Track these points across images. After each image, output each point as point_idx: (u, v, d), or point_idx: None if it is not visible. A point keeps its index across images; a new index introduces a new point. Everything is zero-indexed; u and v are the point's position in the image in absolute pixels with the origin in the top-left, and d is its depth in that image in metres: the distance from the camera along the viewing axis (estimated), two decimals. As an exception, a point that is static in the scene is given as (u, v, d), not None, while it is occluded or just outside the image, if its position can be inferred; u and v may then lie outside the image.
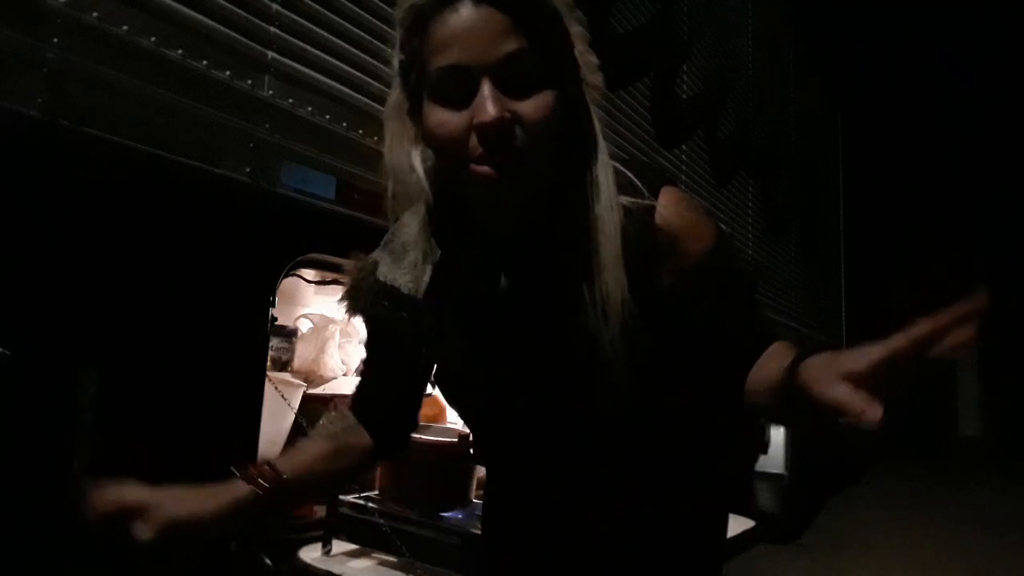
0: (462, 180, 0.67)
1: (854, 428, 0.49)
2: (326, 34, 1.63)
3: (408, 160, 0.71)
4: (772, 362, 0.68)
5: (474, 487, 2.07)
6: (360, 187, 1.64)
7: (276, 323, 1.57)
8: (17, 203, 1.07)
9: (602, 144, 0.71)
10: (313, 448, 0.82)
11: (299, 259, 1.55)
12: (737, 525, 3.49)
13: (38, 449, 1.08)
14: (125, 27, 1.21)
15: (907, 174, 11.62)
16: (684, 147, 3.61)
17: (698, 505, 0.84)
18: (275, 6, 1.51)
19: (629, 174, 0.73)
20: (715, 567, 0.88)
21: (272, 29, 1.50)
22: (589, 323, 0.68)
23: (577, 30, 0.69)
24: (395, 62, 0.71)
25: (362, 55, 1.70)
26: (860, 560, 3.76)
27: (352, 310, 0.80)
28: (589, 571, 0.82)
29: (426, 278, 0.76)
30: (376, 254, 0.82)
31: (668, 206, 0.72)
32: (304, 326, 2.45)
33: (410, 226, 0.78)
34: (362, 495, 2.02)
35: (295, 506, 1.68)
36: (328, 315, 2.41)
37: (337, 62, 1.65)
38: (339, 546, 2.00)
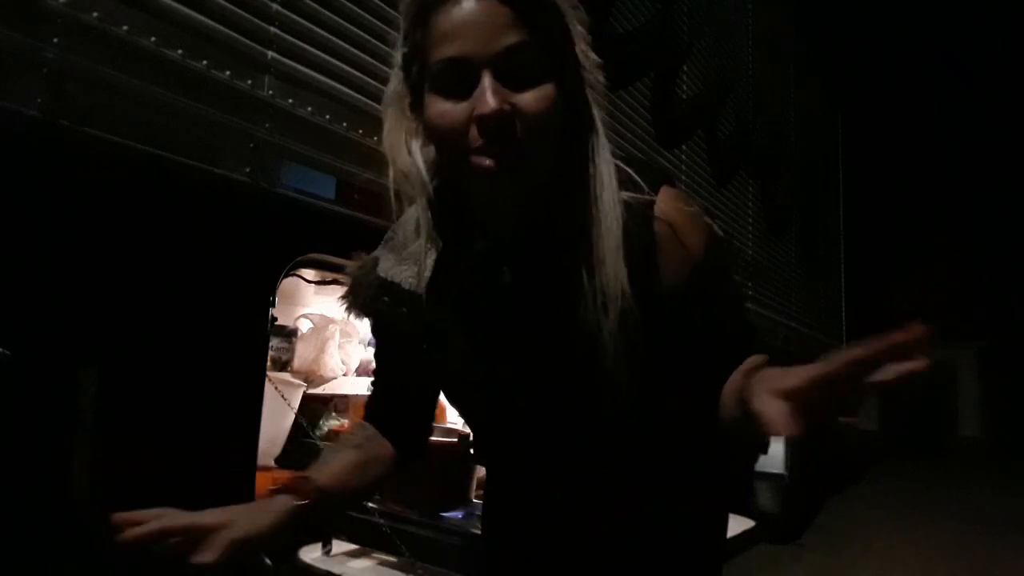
0: (462, 172, 0.67)
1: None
2: (326, 34, 1.63)
3: (408, 153, 0.72)
4: (738, 373, 0.68)
5: (474, 487, 2.07)
6: (360, 187, 1.65)
7: (276, 323, 1.57)
8: (17, 203, 1.07)
9: (604, 139, 0.71)
10: (345, 458, 0.81)
11: (299, 259, 1.55)
12: (737, 525, 3.50)
13: (38, 449, 1.08)
14: (125, 27, 1.22)
15: (907, 174, 11.63)
16: (684, 147, 3.61)
17: (698, 505, 0.84)
18: (275, 6, 1.51)
19: (630, 171, 0.73)
20: (715, 567, 0.88)
21: (272, 29, 1.50)
22: (589, 316, 0.69)
23: (579, 29, 0.70)
24: (397, 55, 0.71)
25: (362, 55, 1.70)
26: (860, 560, 3.76)
27: (352, 306, 0.80)
28: (589, 571, 0.83)
29: (427, 273, 0.76)
30: (378, 251, 0.82)
31: (667, 201, 0.73)
32: (304, 326, 2.45)
33: (411, 222, 0.78)
34: (362, 495, 2.02)
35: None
36: (328, 315, 2.42)
37: (337, 62, 1.65)
38: (339, 546, 2.00)
